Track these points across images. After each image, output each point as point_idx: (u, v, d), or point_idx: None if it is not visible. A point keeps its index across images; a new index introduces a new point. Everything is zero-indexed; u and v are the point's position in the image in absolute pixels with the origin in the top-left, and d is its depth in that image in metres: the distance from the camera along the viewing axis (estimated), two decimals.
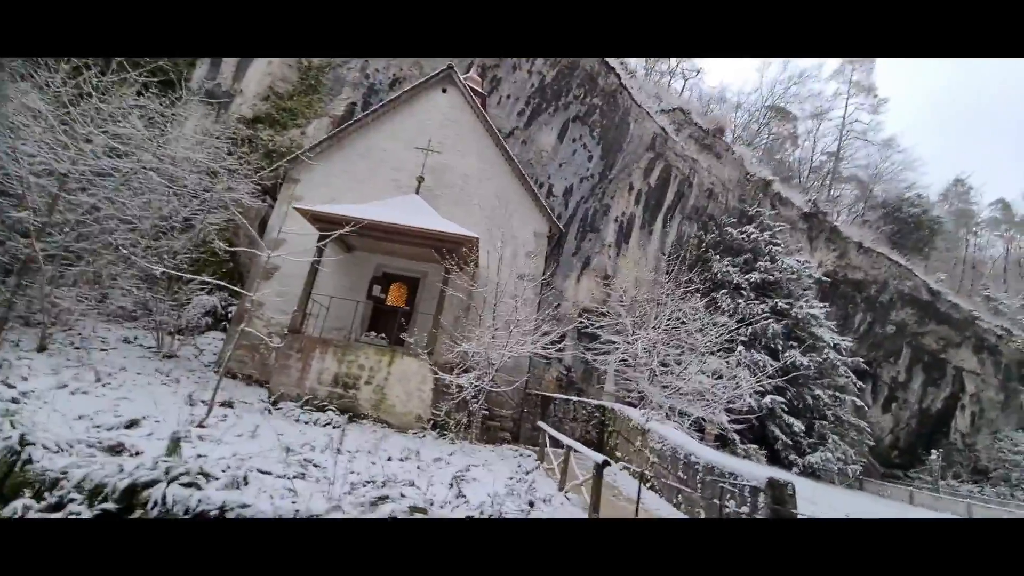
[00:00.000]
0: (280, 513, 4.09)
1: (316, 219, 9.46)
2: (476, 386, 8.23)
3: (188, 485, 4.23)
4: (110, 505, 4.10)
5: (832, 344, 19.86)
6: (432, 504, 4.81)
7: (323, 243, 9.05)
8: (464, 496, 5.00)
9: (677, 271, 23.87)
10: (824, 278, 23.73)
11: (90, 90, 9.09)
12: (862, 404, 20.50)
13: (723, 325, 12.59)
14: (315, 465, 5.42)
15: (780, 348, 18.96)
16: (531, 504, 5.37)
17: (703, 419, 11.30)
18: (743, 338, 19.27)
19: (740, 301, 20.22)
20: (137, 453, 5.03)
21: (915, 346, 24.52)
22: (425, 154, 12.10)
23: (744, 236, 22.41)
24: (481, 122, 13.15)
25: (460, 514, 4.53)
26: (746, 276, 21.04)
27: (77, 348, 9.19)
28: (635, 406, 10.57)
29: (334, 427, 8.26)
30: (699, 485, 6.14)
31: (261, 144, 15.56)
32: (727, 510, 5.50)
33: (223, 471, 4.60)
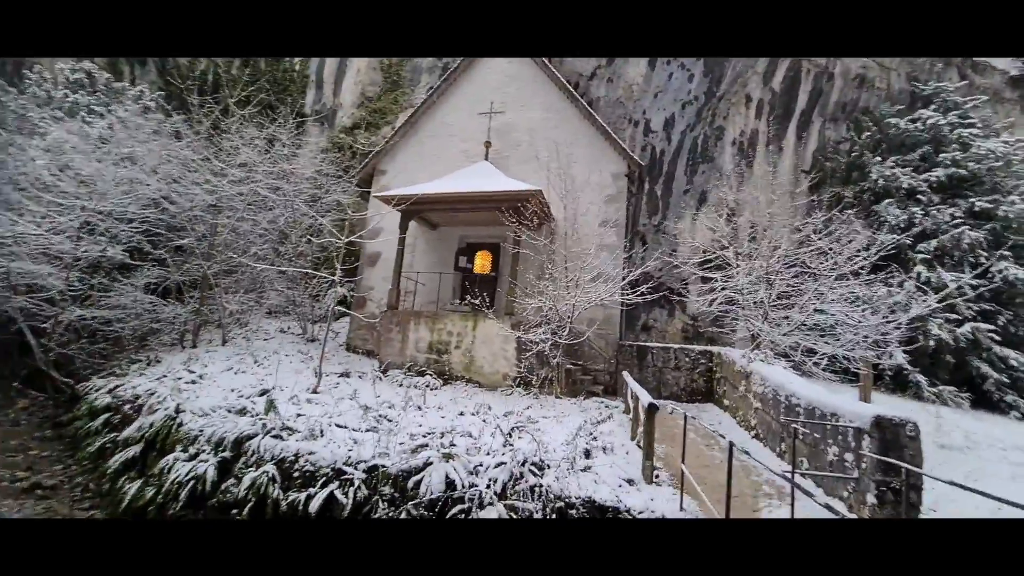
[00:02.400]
0: (336, 457, 4.66)
1: (389, 203, 10.20)
2: (546, 339, 8.09)
3: (276, 437, 5.09)
4: (227, 453, 5.17)
5: None
6: (479, 450, 4.96)
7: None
8: (511, 444, 5.01)
9: (821, 186, 19.75)
10: None
11: (219, 130, 11.21)
12: None
13: (871, 241, 10.03)
14: (388, 420, 6.02)
15: (983, 261, 14.43)
16: (587, 454, 5.14)
17: (847, 358, 9.27)
18: (923, 255, 15.27)
19: (916, 210, 15.87)
20: (257, 415, 6.23)
21: None
22: (489, 117, 12.00)
23: (918, 124, 17.35)
24: (543, 71, 12.45)
25: (502, 459, 4.56)
26: (923, 176, 16.38)
27: (248, 340, 11.69)
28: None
29: (431, 388, 9.06)
30: (802, 430, 5.14)
31: (359, 148, 17.28)
32: (829, 457, 4.50)
33: (308, 427, 5.43)
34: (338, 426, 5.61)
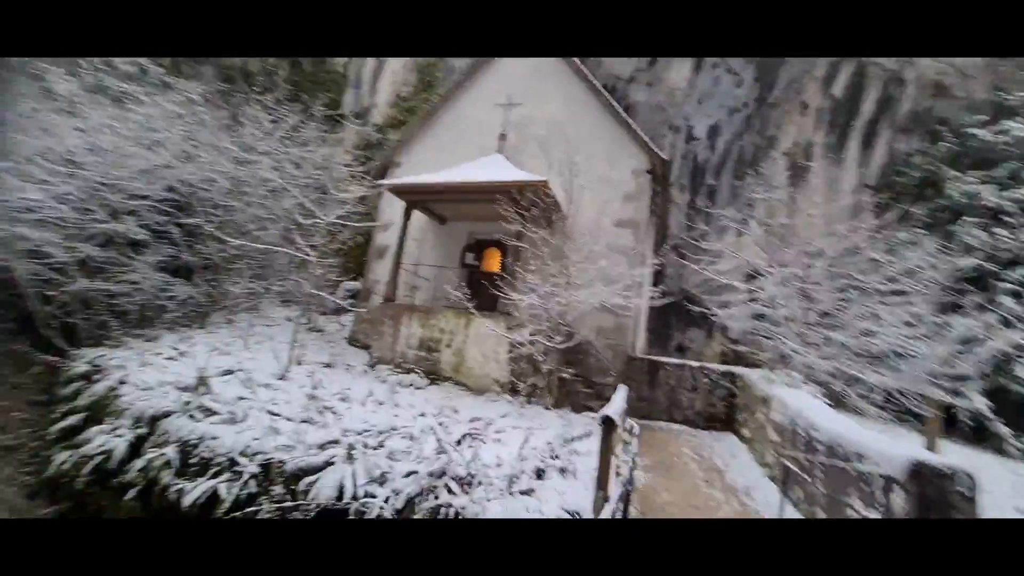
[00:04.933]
0: (236, 445, 4.05)
1: (397, 193, 9.79)
2: (533, 340, 7.21)
3: (191, 417, 4.58)
4: (143, 430, 4.72)
5: None
6: (409, 455, 4.18)
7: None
8: (444, 452, 4.20)
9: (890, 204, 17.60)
10: None
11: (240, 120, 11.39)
12: None
13: (941, 260, 8.41)
14: (332, 412, 5.38)
15: None
16: (539, 474, 4.23)
17: (904, 394, 7.65)
18: (1009, 284, 13.05)
19: (1001, 231, 13.64)
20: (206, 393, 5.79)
21: None
22: (505, 110, 11.42)
23: (1005, 138, 15.09)
24: (566, 63, 11.77)
25: (415, 468, 3.77)
26: (1010, 195, 14.10)
27: (252, 325, 11.60)
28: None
29: (414, 387, 8.41)
30: (821, 473, 3.97)
31: (389, 145, 17.29)
32: (850, 512, 3.35)
33: (231, 410, 4.89)
34: (270, 413, 5.04)
